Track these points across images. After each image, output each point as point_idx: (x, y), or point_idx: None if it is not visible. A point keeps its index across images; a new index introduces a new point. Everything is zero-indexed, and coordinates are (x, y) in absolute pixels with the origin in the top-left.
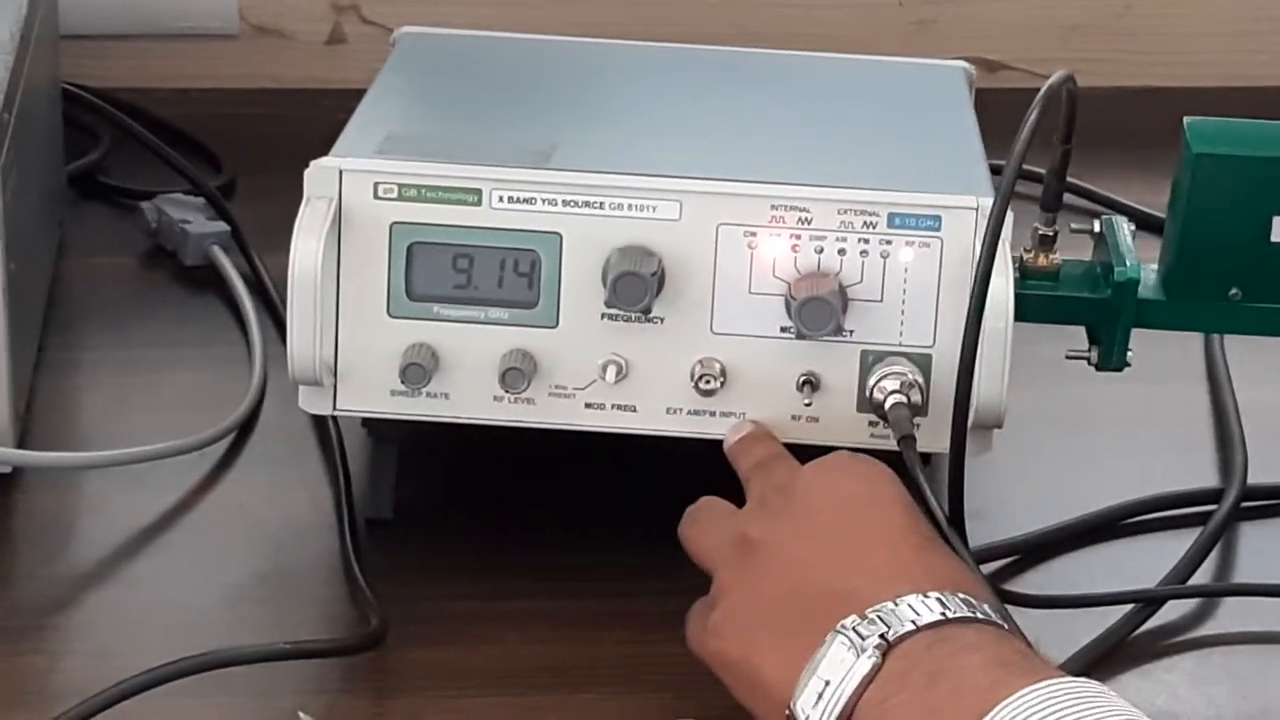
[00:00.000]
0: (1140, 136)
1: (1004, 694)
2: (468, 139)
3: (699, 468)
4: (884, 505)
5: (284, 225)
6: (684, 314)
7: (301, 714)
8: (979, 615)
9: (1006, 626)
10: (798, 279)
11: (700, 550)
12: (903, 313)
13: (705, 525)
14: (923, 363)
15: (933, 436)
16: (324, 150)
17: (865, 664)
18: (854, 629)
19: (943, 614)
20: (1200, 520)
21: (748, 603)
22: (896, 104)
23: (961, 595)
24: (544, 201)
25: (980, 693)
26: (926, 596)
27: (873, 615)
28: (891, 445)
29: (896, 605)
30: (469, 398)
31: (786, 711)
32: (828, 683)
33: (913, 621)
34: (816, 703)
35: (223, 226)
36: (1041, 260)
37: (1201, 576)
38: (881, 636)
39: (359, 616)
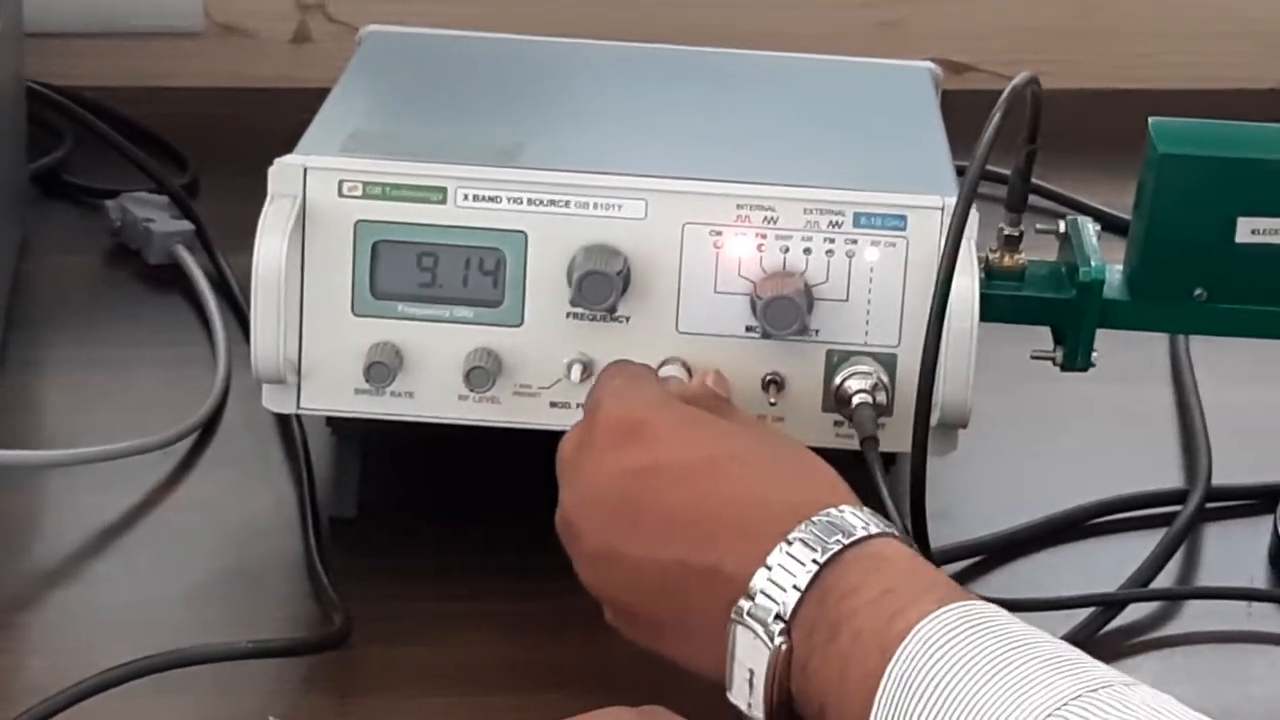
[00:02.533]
0: (1105, 138)
1: (900, 629)
2: (433, 137)
3: None
4: (672, 463)
5: (249, 224)
6: (649, 313)
7: (271, 718)
8: (846, 540)
9: (875, 530)
10: (763, 278)
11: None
12: (868, 313)
13: (556, 522)
14: (888, 362)
15: (898, 436)
16: (289, 149)
17: (775, 649)
18: (748, 614)
19: (815, 562)
20: (1165, 521)
21: (623, 606)
22: (862, 104)
23: (820, 519)
24: (509, 200)
25: (877, 633)
26: (790, 544)
27: (757, 593)
28: (856, 445)
29: (770, 571)
30: (433, 397)
31: (729, 700)
32: (752, 671)
33: (794, 587)
34: (750, 691)
35: (187, 225)
36: (1007, 260)
37: (1166, 577)
38: (777, 617)
39: (322, 615)
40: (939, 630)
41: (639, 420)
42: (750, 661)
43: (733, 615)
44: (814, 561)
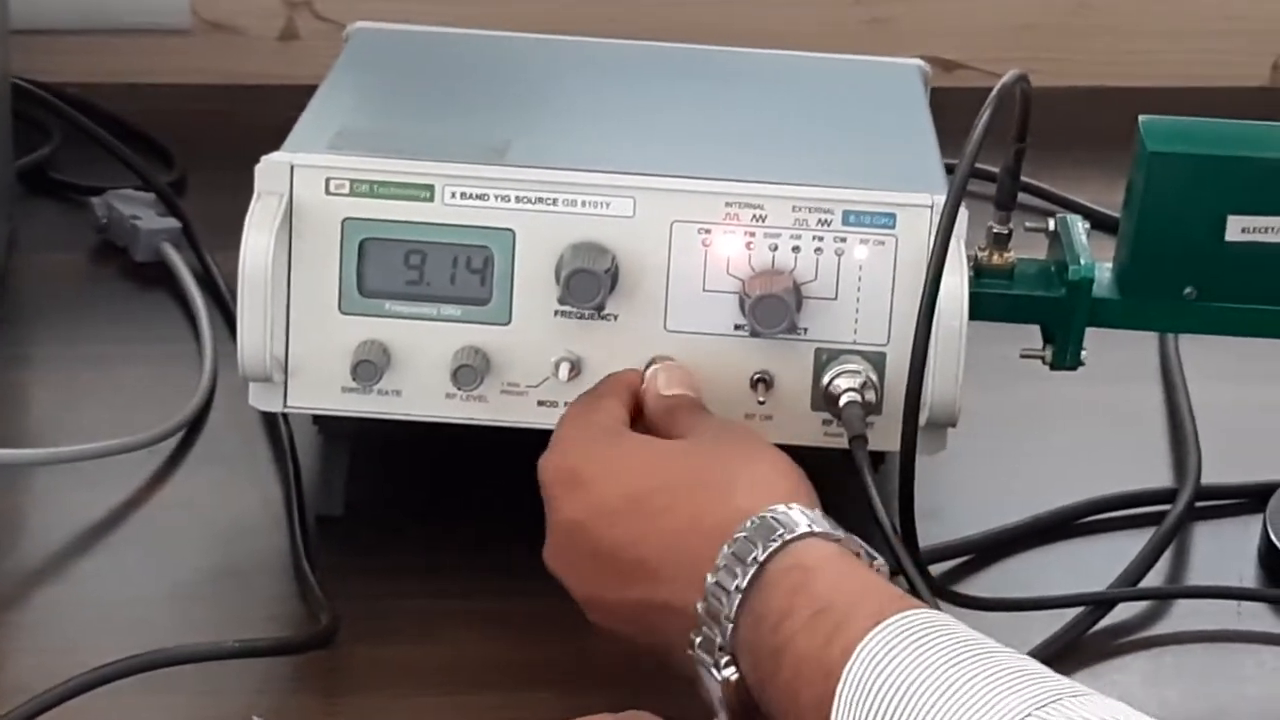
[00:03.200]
0: (1095, 135)
1: (840, 652)
2: (420, 135)
3: None
4: (603, 508)
5: (236, 221)
6: (638, 311)
7: (255, 718)
8: (763, 554)
9: (795, 533)
10: (752, 277)
11: None
12: (857, 311)
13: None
14: (877, 361)
15: (888, 435)
16: (277, 146)
17: (725, 679)
18: (699, 648)
19: (738, 589)
20: (1154, 520)
21: (621, 638)
22: (852, 102)
23: (739, 537)
24: (497, 198)
25: (818, 659)
26: (716, 572)
27: (700, 626)
28: (845, 444)
29: (706, 602)
30: (421, 395)
31: None
32: (718, 699)
33: (725, 617)
34: (723, 712)
35: (174, 223)
36: (996, 259)
37: (1155, 576)
38: (720, 649)
39: (308, 614)
40: (880, 649)
41: (572, 468)
42: (713, 691)
43: (689, 650)
44: (737, 589)
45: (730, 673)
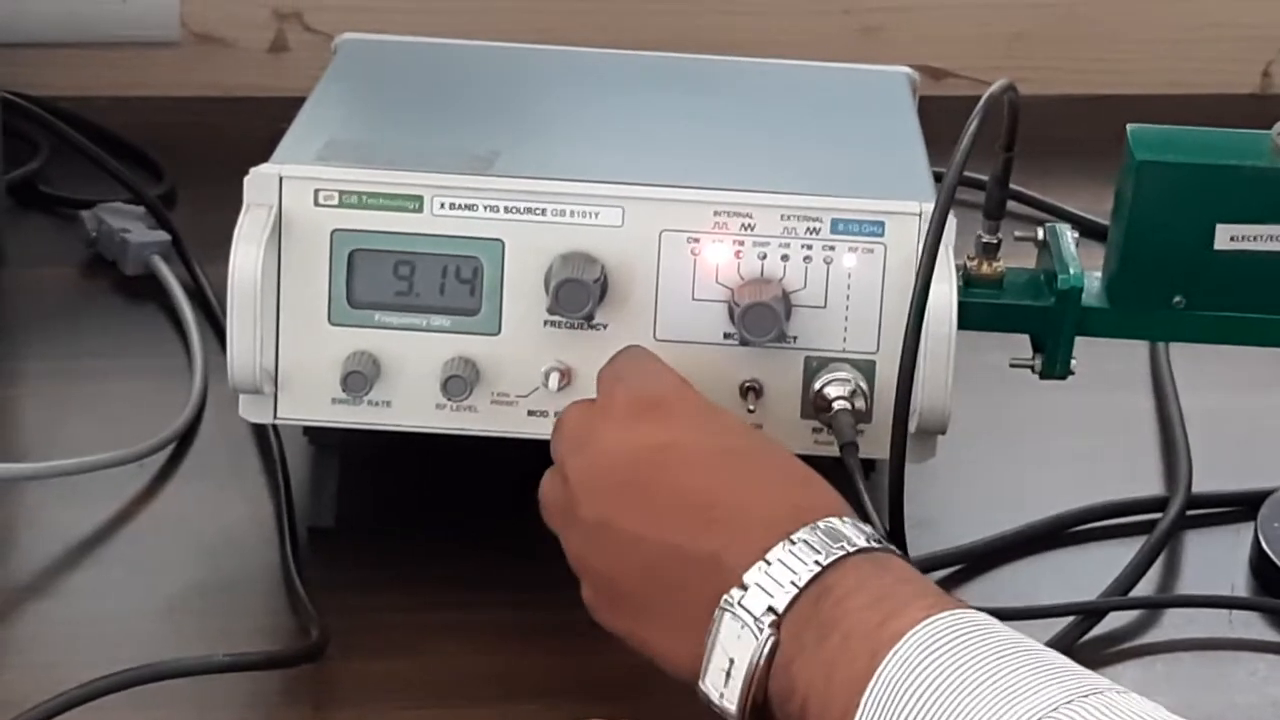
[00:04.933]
0: (1084, 144)
1: (891, 634)
2: (409, 145)
3: None
4: (688, 446)
5: (225, 234)
6: (627, 321)
7: None
8: (849, 548)
9: (877, 545)
10: (741, 285)
11: (545, 515)
12: (846, 319)
13: (544, 491)
14: (867, 369)
15: (877, 443)
16: (267, 158)
17: (763, 641)
18: (740, 604)
19: (817, 563)
20: (1145, 528)
21: (607, 582)
22: (839, 110)
23: (824, 525)
24: (486, 208)
25: (868, 636)
26: (794, 543)
27: (752, 585)
28: (835, 452)
29: (769, 566)
30: (411, 405)
31: (698, 689)
32: (732, 660)
33: (793, 583)
34: (726, 681)
35: (163, 236)
36: (985, 268)
37: (1146, 584)
38: (770, 609)
39: (299, 628)
40: (930, 636)
41: (661, 399)
42: (733, 651)
43: (723, 603)
44: (816, 563)
45: (771, 634)
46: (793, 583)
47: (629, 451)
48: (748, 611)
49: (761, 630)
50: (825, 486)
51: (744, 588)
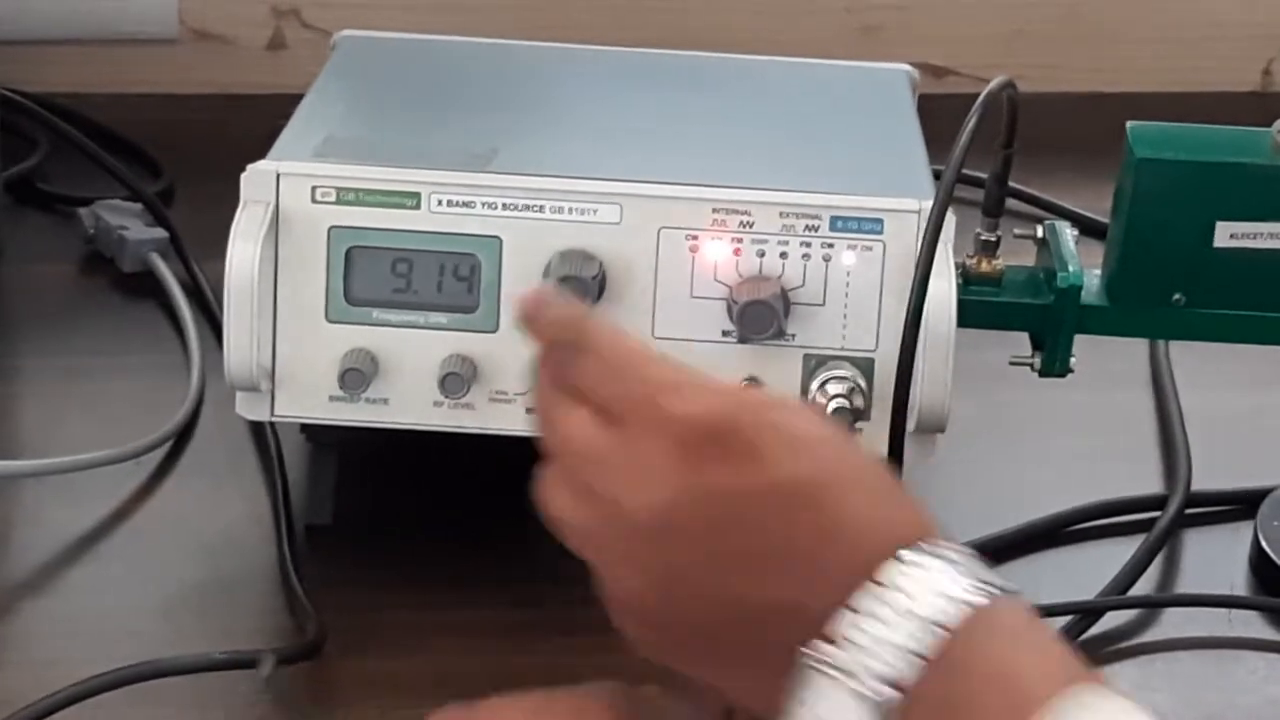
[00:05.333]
0: (1084, 142)
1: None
2: (407, 142)
3: None
4: (760, 490)
5: (223, 231)
6: (625, 318)
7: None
8: (965, 596)
9: (996, 586)
10: (739, 282)
11: (571, 539)
12: (845, 316)
13: (565, 512)
14: (865, 367)
15: (876, 441)
16: (264, 156)
17: (869, 708)
18: (835, 667)
19: (936, 622)
20: (1145, 526)
21: (669, 627)
22: (839, 107)
23: (915, 559)
24: (483, 205)
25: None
26: (888, 589)
27: (841, 640)
28: None
29: (859, 617)
30: (408, 403)
31: None
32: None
33: (913, 653)
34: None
35: (161, 233)
36: (984, 265)
37: (1145, 583)
38: (887, 681)
39: (296, 626)
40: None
41: (729, 427)
42: (829, 714)
43: (811, 661)
44: (936, 628)
45: (891, 693)
46: (912, 652)
47: (698, 501)
48: (843, 673)
49: (879, 699)
50: (910, 498)
51: (830, 641)
